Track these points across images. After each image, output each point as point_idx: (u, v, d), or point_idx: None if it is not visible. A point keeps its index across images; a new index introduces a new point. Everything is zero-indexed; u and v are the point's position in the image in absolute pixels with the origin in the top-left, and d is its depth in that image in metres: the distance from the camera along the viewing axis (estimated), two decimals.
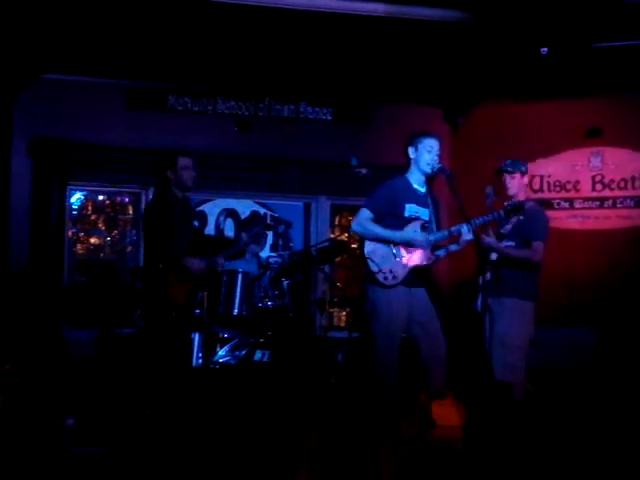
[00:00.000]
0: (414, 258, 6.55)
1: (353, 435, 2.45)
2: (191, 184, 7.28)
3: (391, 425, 2.50)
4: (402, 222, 6.56)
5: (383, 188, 6.71)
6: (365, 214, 6.60)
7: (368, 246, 6.60)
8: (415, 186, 6.65)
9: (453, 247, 6.70)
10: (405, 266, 6.53)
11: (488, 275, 7.01)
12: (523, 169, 7.11)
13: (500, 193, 7.20)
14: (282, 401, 6.68)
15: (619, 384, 8.05)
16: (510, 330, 6.82)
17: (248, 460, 5.27)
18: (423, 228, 6.60)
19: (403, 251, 6.55)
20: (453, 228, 6.56)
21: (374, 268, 6.53)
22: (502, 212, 6.67)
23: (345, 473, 2.42)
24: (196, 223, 10.35)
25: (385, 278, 6.52)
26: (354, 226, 6.69)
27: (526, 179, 7.17)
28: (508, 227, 6.96)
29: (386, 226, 6.55)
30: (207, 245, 8.19)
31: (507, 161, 7.09)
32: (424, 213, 6.64)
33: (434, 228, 6.64)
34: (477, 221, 6.55)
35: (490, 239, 6.85)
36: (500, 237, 6.98)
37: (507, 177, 7.05)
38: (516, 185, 7.02)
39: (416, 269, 6.56)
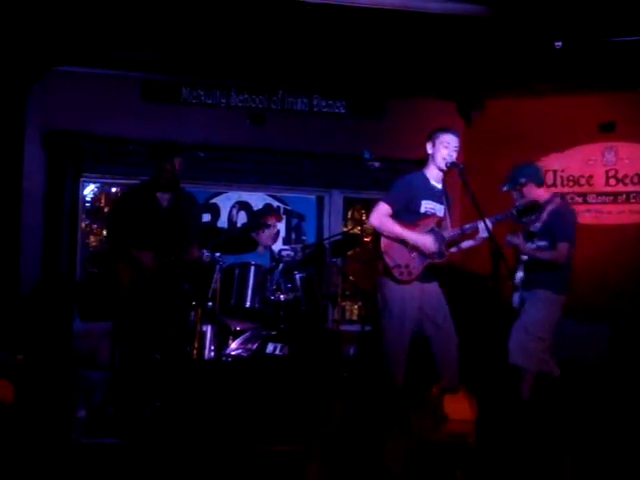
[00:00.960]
0: (430, 256, 6.55)
1: (363, 428, 2.46)
2: (166, 183, 7.40)
3: (400, 419, 2.50)
4: (417, 218, 6.57)
5: (401, 183, 6.71)
6: (383, 208, 6.60)
7: (385, 240, 6.60)
8: (432, 182, 6.65)
9: (468, 244, 6.71)
10: (421, 262, 6.53)
11: (521, 273, 7.07)
12: (522, 180, 7.10)
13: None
14: (294, 394, 6.68)
15: (633, 379, 8.03)
16: (536, 319, 6.92)
17: (260, 452, 5.28)
18: (438, 224, 6.61)
19: (419, 247, 6.55)
20: (467, 226, 6.57)
21: (390, 263, 6.54)
22: (514, 211, 6.68)
23: (354, 465, 2.43)
24: (208, 217, 10.38)
25: (401, 273, 6.52)
26: (372, 219, 6.68)
27: (530, 186, 7.13)
28: (538, 225, 7.00)
29: (401, 221, 6.55)
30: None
31: (504, 182, 7.12)
32: (440, 209, 6.64)
33: (449, 225, 6.65)
34: (493, 219, 6.53)
35: (515, 239, 6.91)
36: (530, 236, 7.03)
37: (513, 194, 7.10)
38: (525, 196, 7.03)
39: (430, 265, 6.56)
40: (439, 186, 6.68)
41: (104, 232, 8.58)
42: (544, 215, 7.08)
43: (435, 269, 6.63)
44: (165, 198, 7.43)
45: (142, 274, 7.07)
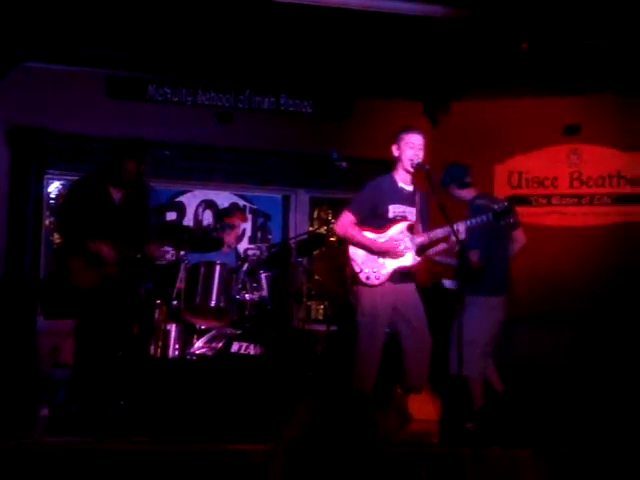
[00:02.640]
0: (397, 260, 6.54)
1: (329, 427, 2.45)
2: (127, 181, 7.18)
3: (367, 418, 2.50)
4: (386, 223, 6.55)
5: (366, 189, 6.69)
6: (348, 217, 6.60)
7: (352, 247, 6.61)
8: (401, 185, 6.62)
9: (441, 246, 6.69)
10: (388, 267, 6.52)
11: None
12: (446, 181, 7.14)
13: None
14: (259, 393, 6.68)
15: (594, 381, 8.09)
16: (464, 322, 6.77)
17: (224, 451, 5.27)
18: (410, 229, 6.58)
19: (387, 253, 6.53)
20: (438, 230, 6.50)
21: (357, 268, 6.54)
22: (491, 215, 6.58)
23: (322, 464, 2.43)
24: (173, 215, 10.35)
25: (367, 278, 6.53)
26: (337, 228, 6.73)
27: (453, 187, 7.15)
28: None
29: (370, 226, 6.55)
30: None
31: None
32: (411, 212, 6.61)
33: (420, 229, 6.61)
34: (467, 224, 6.50)
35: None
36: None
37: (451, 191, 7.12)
38: (456, 196, 7.05)
39: (400, 270, 6.55)
40: (409, 188, 6.64)
41: (56, 223, 8.30)
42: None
43: (408, 272, 6.61)
44: (118, 194, 7.16)
45: (103, 269, 6.92)
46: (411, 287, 6.65)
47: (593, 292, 9.26)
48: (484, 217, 6.59)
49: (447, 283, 7.35)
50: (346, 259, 6.62)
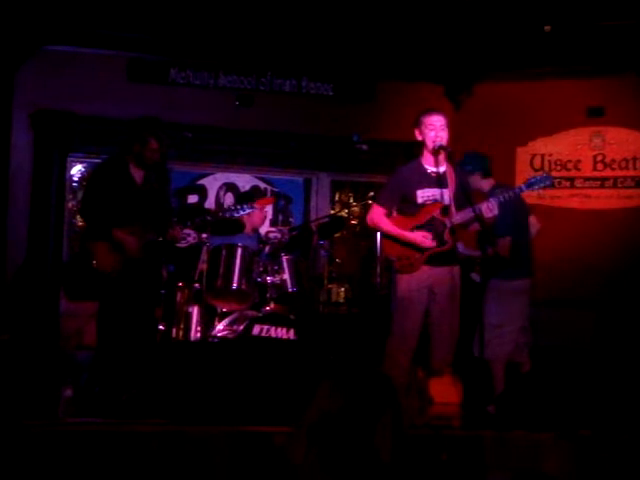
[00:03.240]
0: (431, 244, 6.50)
1: (351, 411, 2.45)
2: (151, 163, 7.14)
3: (389, 401, 2.50)
4: (417, 208, 6.52)
5: (390, 179, 6.70)
6: (376, 210, 6.61)
7: (383, 236, 6.63)
8: (428, 168, 6.55)
9: (476, 225, 6.64)
10: (421, 253, 6.49)
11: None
12: (469, 168, 7.08)
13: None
14: (280, 376, 6.70)
15: (617, 365, 8.07)
16: (488, 308, 6.82)
17: (246, 433, 5.29)
18: (442, 212, 6.51)
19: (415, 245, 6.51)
20: (469, 209, 6.45)
21: (391, 256, 6.54)
22: (524, 187, 6.60)
23: (342, 448, 2.43)
24: (195, 198, 10.36)
25: (402, 266, 6.51)
26: (368, 222, 6.77)
27: (477, 176, 7.13)
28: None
29: (403, 213, 6.55)
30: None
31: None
32: (442, 194, 6.52)
33: (453, 210, 6.54)
34: (500, 198, 6.46)
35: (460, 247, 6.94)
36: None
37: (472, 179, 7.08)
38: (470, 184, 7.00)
39: (436, 254, 6.51)
40: (439, 169, 6.57)
41: (80, 209, 8.29)
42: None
43: (445, 254, 6.55)
44: (139, 174, 7.12)
45: (126, 254, 6.92)
46: (448, 271, 6.55)
47: (617, 275, 9.23)
48: (516, 189, 6.61)
49: (475, 276, 7.32)
50: (382, 249, 6.63)
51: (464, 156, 7.18)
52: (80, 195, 9.89)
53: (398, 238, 6.50)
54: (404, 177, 6.59)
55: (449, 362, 6.63)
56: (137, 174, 7.11)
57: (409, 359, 6.50)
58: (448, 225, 6.45)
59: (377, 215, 6.59)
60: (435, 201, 6.49)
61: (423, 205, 6.49)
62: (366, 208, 8.86)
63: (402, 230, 6.49)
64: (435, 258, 6.48)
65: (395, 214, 6.65)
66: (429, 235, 6.44)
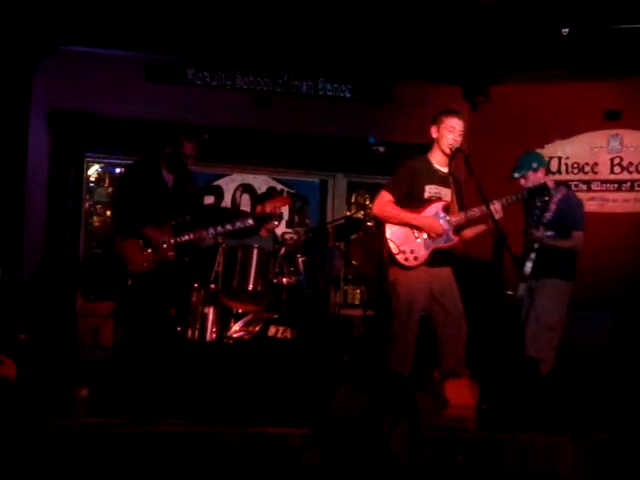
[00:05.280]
0: (435, 240, 6.53)
1: (366, 412, 2.45)
2: (182, 166, 7.18)
3: (407, 403, 2.49)
4: (422, 203, 6.55)
5: (403, 169, 6.70)
6: (385, 197, 6.60)
7: (389, 228, 6.60)
8: (436, 166, 6.62)
9: (480, 228, 6.68)
10: (426, 247, 6.51)
11: (530, 263, 7.06)
12: (534, 165, 7.14)
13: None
14: (296, 377, 6.70)
15: (635, 368, 8.04)
16: (547, 308, 6.96)
17: (261, 434, 5.29)
18: (445, 209, 6.57)
19: (424, 232, 6.54)
20: (474, 209, 6.53)
21: (395, 249, 6.53)
22: (525, 193, 6.69)
23: (358, 449, 2.42)
24: (211, 199, 10.37)
25: (406, 259, 6.52)
26: (375, 209, 6.75)
27: (540, 172, 7.19)
28: (548, 215, 7.02)
29: (406, 207, 6.55)
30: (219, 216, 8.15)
31: (514, 168, 7.15)
32: (446, 194, 6.61)
33: (456, 209, 6.61)
34: (500, 203, 6.51)
35: (539, 233, 6.92)
36: (542, 226, 7.05)
37: (521, 181, 7.13)
38: (531, 182, 7.03)
39: (438, 250, 6.54)
40: (444, 170, 6.64)
41: (111, 209, 8.29)
42: (552, 205, 7.11)
43: (444, 254, 6.61)
44: (170, 178, 7.17)
45: (159, 254, 6.93)
46: (447, 271, 6.64)
47: (634, 278, 9.19)
48: (519, 194, 6.69)
49: (521, 290, 7.24)
50: (384, 241, 6.61)
51: (524, 156, 7.26)
52: (98, 195, 9.98)
53: (409, 223, 6.50)
54: (414, 170, 6.63)
55: (462, 363, 6.63)
56: (168, 177, 7.15)
57: (411, 360, 6.53)
58: (453, 223, 6.51)
59: (386, 202, 6.58)
60: (439, 198, 6.54)
61: (428, 200, 6.54)
62: None
63: (414, 215, 6.49)
64: (435, 258, 6.51)
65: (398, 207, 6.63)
66: (439, 222, 6.48)
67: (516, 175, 7.15)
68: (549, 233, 7.03)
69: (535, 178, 7.08)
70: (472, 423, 6.38)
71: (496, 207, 6.43)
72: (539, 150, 9.77)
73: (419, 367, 6.71)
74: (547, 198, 6.83)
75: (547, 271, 7.06)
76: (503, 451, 5.36)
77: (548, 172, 7.34)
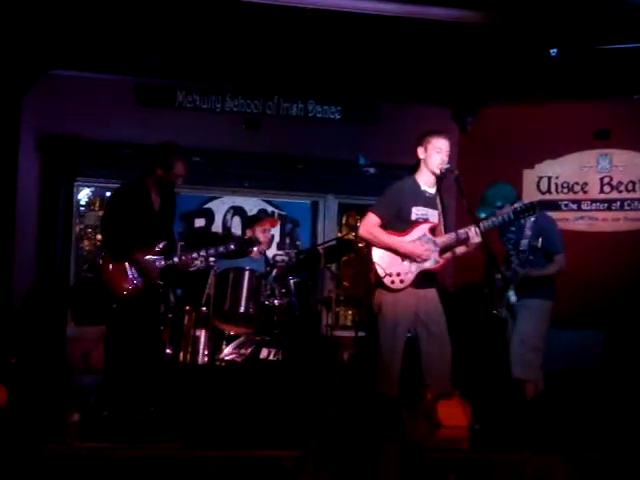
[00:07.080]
0: (422, 263, 6.52)
1: (358, 434, 2.45)
2: (172, 188, 7.14)
3: (395, 425, 2.49)
4: (409, 225, 6.53)
5: (390, 191, 6.68)
6: (372, 219, 6.57)
7: (376, 252, 6.58)
8: (423, 187, 6.59)
9: (461, 249, 6.67)
10: (413, 270, 6.50)
11: (512, 292, 7.09)
12: (499, 204, 7.12)
13: None
14: (288, 399, 6.68)
15: (628, 386, 8.04)
16: (531, 329, 7.00)
17: (253, 457, 5.27)
18: (431, 231, 6.57)
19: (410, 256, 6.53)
20: (460, 231, 6.53)
21: (381, 272, 6.51)
22: (511, 214, 6.65)
23: (349, 471, 2.42)
24: (202, 222, 10.37)
25: (392, 282, 6.50)
26: (361, 231, 6.71)
27: (507, 208, 7.13)
28: (525, 242, 7.04)
29: (392, 229, 6.53)
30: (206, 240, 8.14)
31: (480, 206, 7.12)
32: (433, 215, 6.59)
33: (442, 230, 6.61)
34: (487, 224, 6.53)
35: (524, 271, 6.98)
36: (522, 254, 7.07)
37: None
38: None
39: (424, 272, 6.54)
40: (431, 191, 6.61)
41: (100, 233, 8.21)
42: (527, 231, 7.13)
43: (430, 276, 6.61)
44: (157, 200, 7.05)
45: (144, 277, 6.88)
46: (432, 293, 6.63)
47: (625, 297, 9.21)
48: (505, 216, 6.66)
49: (513, 298, 7.28)
50: (370, 263, 6.60)
51: (487, 192, 7.24)
52: (88, 219, 9.96)
53: (395, 249, 6.48)
54: (402, 191, 6.60)
55: (448, 384, 6.62)
56: (155, 199, 7.05)
57: (397, 381, 6.52)
58: (440, 245, 6.50)
59: (372, 224, 6.56)
60: (426, 220, 6.53)
61: (415, 222, 6.52)
62: None
63: (400, 240, 6.48)
64: (421, 280, 6.51)
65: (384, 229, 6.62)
66: (426, 248, 6.47)
67: (482, 215, 7.02)
68: (531, 257, 7.10)
69: (501, 214, 7.05)
70: (465, 443, 6.37)
71: (477, 230, 6.41)
72: (528, 170, 9.86)
73: (411, 388, 6.70)
74: (533, 218, 6.88)
75: (528, 292, 7.09)
76: (497, 471, 5.35)
77: (516, 200, 7.25)
